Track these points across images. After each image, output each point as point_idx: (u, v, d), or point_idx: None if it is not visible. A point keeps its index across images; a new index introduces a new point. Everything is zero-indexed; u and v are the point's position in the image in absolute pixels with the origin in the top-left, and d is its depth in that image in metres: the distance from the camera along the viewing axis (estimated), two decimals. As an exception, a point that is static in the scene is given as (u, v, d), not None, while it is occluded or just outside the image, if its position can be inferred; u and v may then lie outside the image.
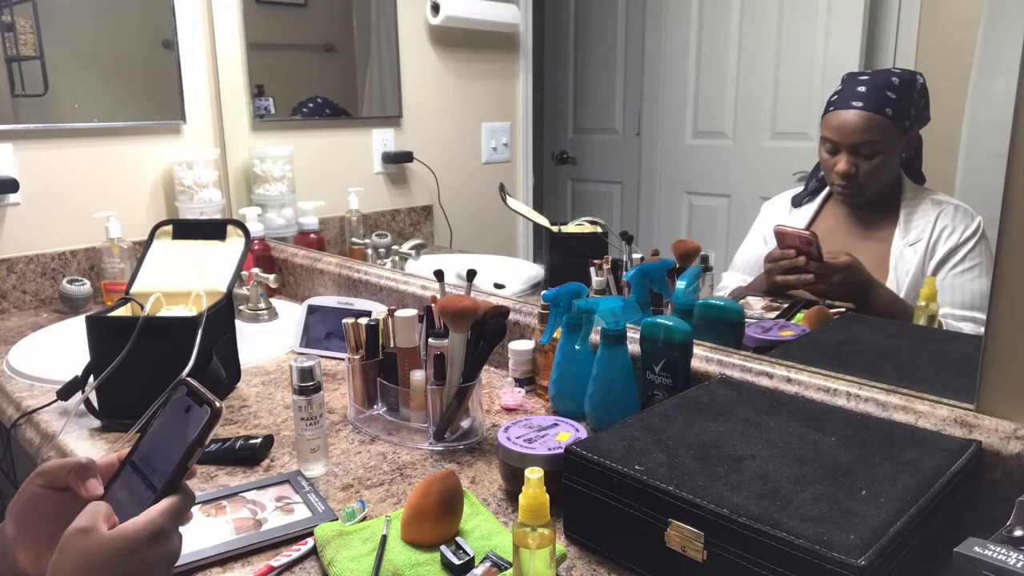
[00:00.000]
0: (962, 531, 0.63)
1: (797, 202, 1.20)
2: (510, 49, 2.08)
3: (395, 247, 1.81)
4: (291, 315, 1.54)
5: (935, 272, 1.04)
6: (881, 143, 1.07)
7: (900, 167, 1.10)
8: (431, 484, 0.76)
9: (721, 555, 0.65)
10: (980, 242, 1.02)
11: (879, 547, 0.59)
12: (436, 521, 0.74)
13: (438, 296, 1.05)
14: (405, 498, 0.87)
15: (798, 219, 1.19)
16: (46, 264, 1.65)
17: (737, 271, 1.27)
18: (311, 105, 1.98)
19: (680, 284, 1.11)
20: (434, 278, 1.14)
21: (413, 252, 1.78)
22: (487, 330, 0.98)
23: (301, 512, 0.84)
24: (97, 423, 1.07)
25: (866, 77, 1.10)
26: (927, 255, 1.05)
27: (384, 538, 0.75)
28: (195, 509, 0.77)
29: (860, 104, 1.08)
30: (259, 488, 0.89)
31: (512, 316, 1.24)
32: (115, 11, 1.68)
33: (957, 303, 1.02)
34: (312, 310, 1.44)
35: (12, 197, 1.60)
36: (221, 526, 0.81)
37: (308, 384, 0.91)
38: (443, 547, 0.73)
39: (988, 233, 1.00)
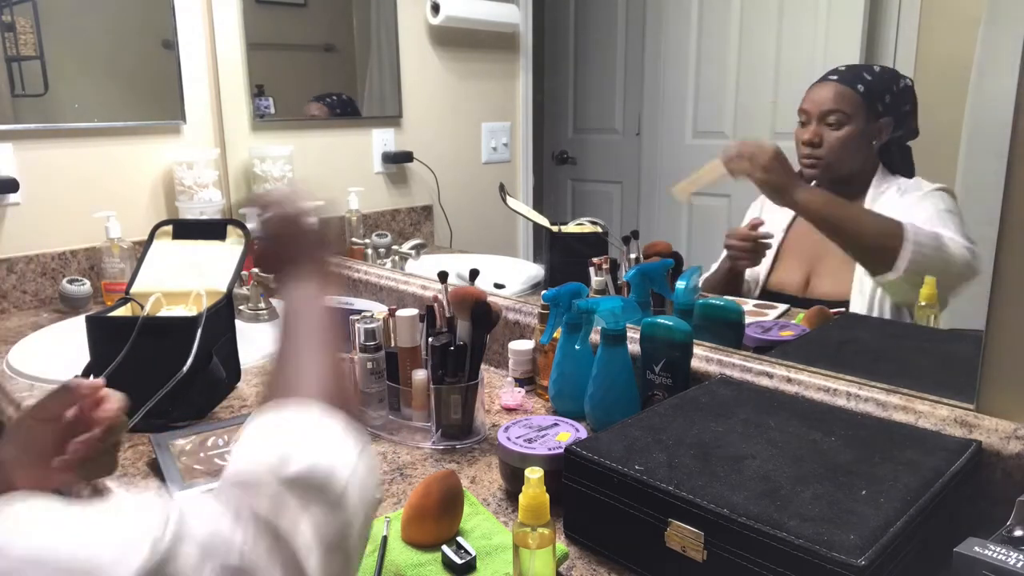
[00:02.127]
0: (962, 531, 0.63)
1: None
2: (510, 49, 2.08)
3: (395, 247, 1.81)
4: (291, 315, 1.53)
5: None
6: (848, 115, 1.08)
7: (879, 159, 1.10)
8: (431, 484, 0.76)
9: (721, 555, 0.65)
10: (939, 192, 1.03)
11: (879, 547, 0.59)
12: (437, 521, 0.74)
13: (439, 296, 1.05)
14: (405, 498, 0.87)
15: (780, 218, 1.20)
16: (46, 264, 1.65)
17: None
18: (331, 98, 1.99)
19: (680, 284, 1.11)
20: (435, 278, 1.14)
21: (413, 252, 1.78)
22: (478, 312, 0.99)
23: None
24: (97, 423, 1.07)
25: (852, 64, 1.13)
26: None
27: (384, 539, 0.75)
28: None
29: (835, 77, 1.11)
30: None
31: (512, 316, 1.24)
32: (115, 11, 1.68)
33: (922, 220, 1.02)
34: (312, 310, 1.43)
35: (12, 197, 1.60)
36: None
37: (371, 343, 1.04)
38: (444, 547, 0.73)
39: (988, 233, 1.00)
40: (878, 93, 1.07)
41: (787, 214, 1.20)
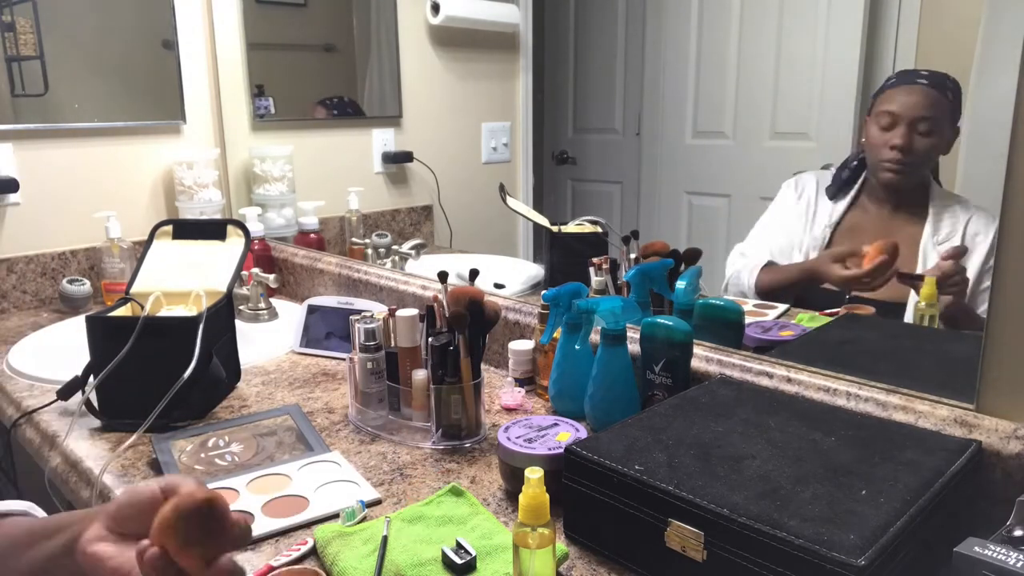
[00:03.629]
0: (962, 531, 0.63)
1: (832, 194, 1.20)
2: (510, 49, 2.08)
3: (395, 247, 1.81)
4: (291, 315, 1.54)
5: (977, 279, 1.04)
6: (939, 122, 1.07)
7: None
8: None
9: (721, 555, 0.65)
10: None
11: (879, 547, 0.59)
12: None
13: (439, 296, 1.05)
14: (405, 498, 0.87)
15: (829, 211, 1.19)
16: (46, 264, 1.65)
17: (756, 254, 1.26)
18: (332, 100, 1.99)
19: (680, 284, 1.11)
20: (435, 278, 1.14)
21: (413, 252, 1.78)
22: (474, 315, 0.99)
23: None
24: (97, 423, 1.07)
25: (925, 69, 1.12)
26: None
27: (385, 539, 0.75)
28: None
29: (925, 81, 1.09)
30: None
31: (512, 316, 1.24)
32: (115, 11, 1.68)
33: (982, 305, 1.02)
34: (312, 310, 1.44)
35: (12, 197, 1.60)
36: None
37: (371, 343, 1.05)
38: (444, 547, 0.73)
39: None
40: (958, 102, 1.06)
41: (838, 205, 1.19)
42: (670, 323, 0.97)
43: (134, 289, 1.17)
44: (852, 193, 1.17)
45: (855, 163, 1.16)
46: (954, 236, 1.06)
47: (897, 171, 1.11)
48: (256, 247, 1.70)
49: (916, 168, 1.10)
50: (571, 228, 1.52)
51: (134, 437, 0.98)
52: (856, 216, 1.17)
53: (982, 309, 1.01)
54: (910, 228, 1.11)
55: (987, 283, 1.02)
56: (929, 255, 1.07)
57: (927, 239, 1.08)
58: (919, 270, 1.08)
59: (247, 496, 0.87)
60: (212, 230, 1.25)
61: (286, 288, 1.76)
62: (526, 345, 1.19)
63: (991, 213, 1.03)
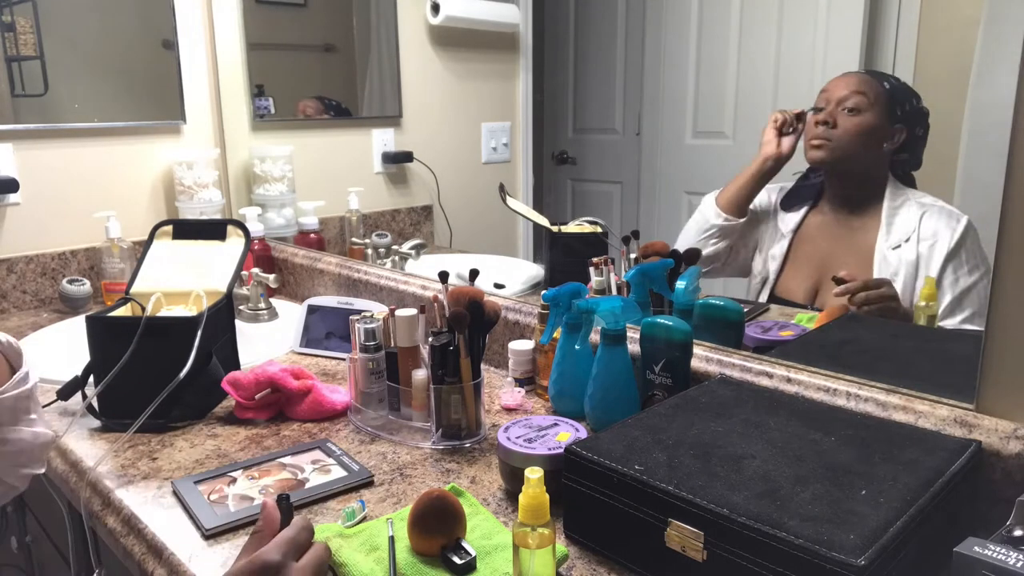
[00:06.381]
0: (962, 531, 0.63)
1: (787, 206, 1.20)
2: (510, 49, 2.08)
3: (395, 247, 1.81)
4: (291, 315, 1.54)
5: (938, 280, 1.03)
6: (868, 102, 1.06)
7: (887, 168, 1.09)
8: (419, 500, 0.75)
9: (721, 555, 0.65)
10: (973, 243, 1.01)
11: (879, 547, 0.59)
12: (419, 537, 0.74)
13: (439, 296, 1.05)
14: (405, 498, 0.87)
15: (785, 223, 1.20)
16: (46, 264, 1.65)
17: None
18: (320, 102, 1.99)
19: (680, 284, 1.11)
20: (435, 278, 1.14)
21: (413, 252, 1.78)
22: (473, 315, 0.99)
23: (337, 472, 0.92)
24: (96, 423, 1.07)
25: None
26: (919, 260, 1.04)
27: (391, 539, 0.75)
28: (238, 473, 0.91)
29: (862, 71, 1.10)
30: (292, 454, 0.97)
31: (512, 316, 1.24)
32: (115, 11, 1.68)
33: (958, 315, 1.02)
34: (312, 310, 1.44)
35: (12, 197, 1.60)
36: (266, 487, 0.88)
37: (371, 343, 1.05)
38: (444, 547, 0.73)
39: (988, 234, 1.00)
40: (900, 98, 1.06)
41: (795, 215, 1.19)
42: (670, 323, 0.97)
43: (134, 289, 1.17)
44: (811, 201, 1.17)
45: (818, 176, 1.17)
46: (909, 238, 1.05)
47: (820, 145, 1.10)
48: (256, 247, 1.70)
49: (844, 147, 1.09)
50: (571, 228, 1.52)
51: (127, 435, 0.98)
52: (814, 221, 1.17)
53: (954, 323, 1.01)
54: (863, 234, 1.10)
55: (949, 278, 1.02)
56: (886, 260, 1.06)
57: (880, 244, 1.07)
58: (875, 277, 1.08)
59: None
60: (212, 230, 1.25)
61: (286, 288, 1.76)
62: (526, 345, 1.19)
63: (947, 207, 1.03)
